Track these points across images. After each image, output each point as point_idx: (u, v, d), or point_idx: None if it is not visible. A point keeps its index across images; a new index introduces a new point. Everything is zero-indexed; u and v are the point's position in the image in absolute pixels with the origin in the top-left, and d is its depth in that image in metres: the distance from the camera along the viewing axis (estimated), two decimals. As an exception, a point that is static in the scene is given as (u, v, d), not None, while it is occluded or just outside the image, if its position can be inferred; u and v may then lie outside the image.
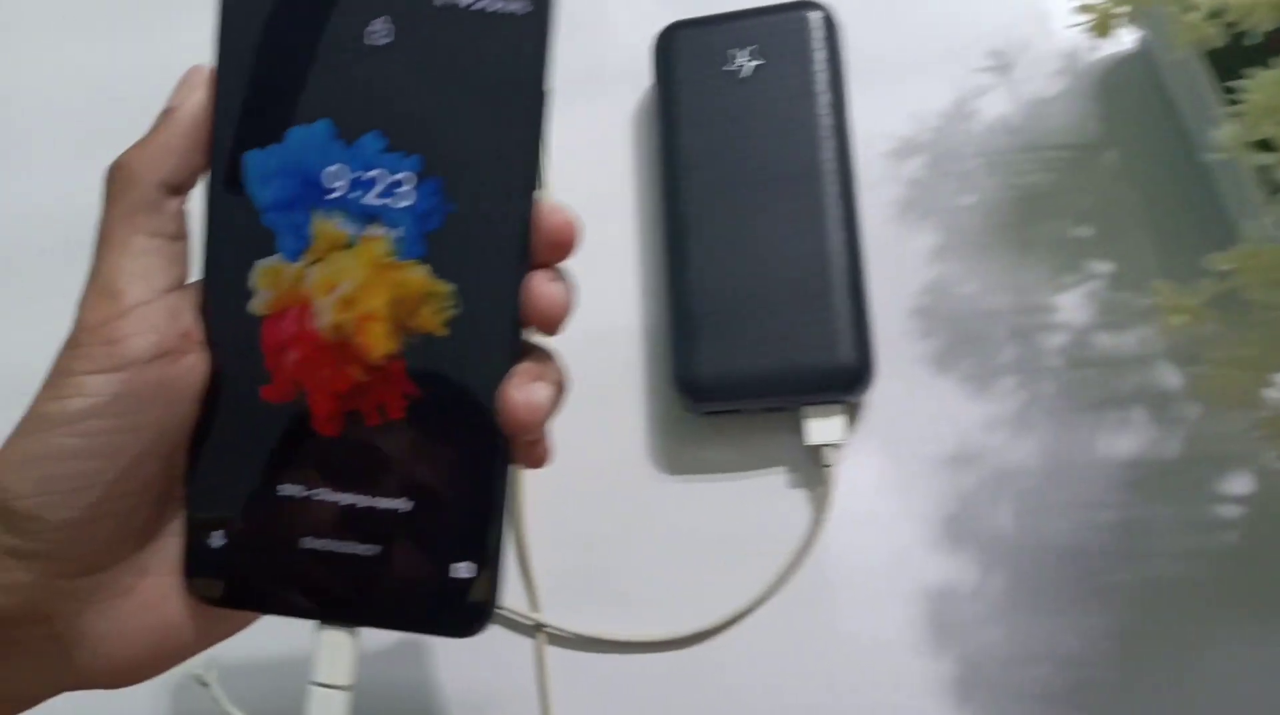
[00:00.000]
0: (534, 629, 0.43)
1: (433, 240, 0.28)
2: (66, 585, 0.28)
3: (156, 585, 0.29)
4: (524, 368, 0.29)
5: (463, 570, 0.29)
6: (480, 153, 0.28)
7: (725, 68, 0.43)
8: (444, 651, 0.43)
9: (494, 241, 0.28)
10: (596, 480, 0.44)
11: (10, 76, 0.55)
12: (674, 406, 0.44)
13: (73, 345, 0.27)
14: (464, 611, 0.29)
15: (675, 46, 0.44)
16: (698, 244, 0.43)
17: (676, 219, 0.43)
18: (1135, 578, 0.39)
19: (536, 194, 0.28)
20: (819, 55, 0.43)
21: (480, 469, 0.29)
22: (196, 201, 0.29)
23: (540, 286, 0.28)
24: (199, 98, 0.28)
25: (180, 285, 0.29)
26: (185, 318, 0.28)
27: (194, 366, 0.28)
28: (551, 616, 0.43)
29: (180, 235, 0.29)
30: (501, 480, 0.29)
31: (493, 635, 0.43)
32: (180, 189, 0.28)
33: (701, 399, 0.42)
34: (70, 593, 0.28)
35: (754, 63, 0.43)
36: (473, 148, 0.28)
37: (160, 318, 0.27)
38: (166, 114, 0.28)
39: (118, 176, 0.28)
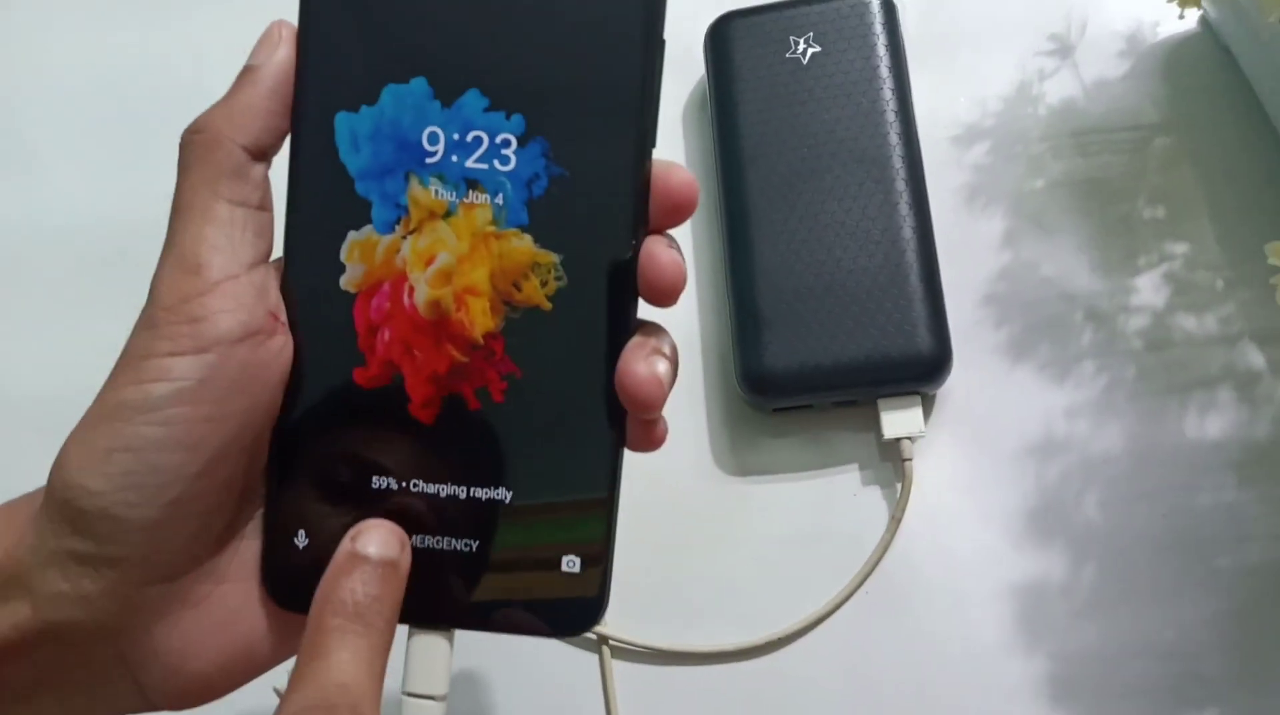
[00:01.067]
0: (599, 643, 0.41)
1: (537, 207, 0.26)
2: (136, 596, 0.25)
3: (232, 593, 0.27)
4: (640, 341, 0.26)
5: (572, 564, 0.27)
6: (589, 110, 0.26)
7: (788, 54, 0.42)
8: (504, 669, 0.41)
9: (605, 206, 0.26)
10: (659, 486, 0.42)
11: (18, 76, 0.52)
12: (739, 405, 0.43)
13: (149, 324, 0.25)
14: (573, 609, 0.27)
15: (731, 36, 0.43)
16: (761, 235, 0.41)
17: (737, 210, 0.42)
18: (1234, 563, 0.38)
19: (650, 153, 0.26)
20: (880, 40, 0.42)
21: (591, 453, 0.27)
22: (278, 170, 0.27)
23: (658, 254, 0.26)
24: (283, 54, 0.26)
25: (265, 260, 0.26)
26: (272, 295, 0.26)
27: (282, 350, 0.26)
28: (616, 629, 0.41)
29: (265, 205, 0.26)
30: (615, 465, 0.27)
31: (555, 651, 0.41)
32: (265, 154, 0.26)
33: (770, 395, 0.41)
34: (140, 604, 0.25)
35: (812, 49, 0.42)
36: (581, 105, 0.26)
37: (247, 294, 0.25)
38: (248, 72, 0.26)
39: (197, 140, 0.25)
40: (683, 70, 0.46)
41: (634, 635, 0.41)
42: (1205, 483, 0.39)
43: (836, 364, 0.40)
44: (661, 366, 0.26)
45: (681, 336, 0.44)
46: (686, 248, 0.45)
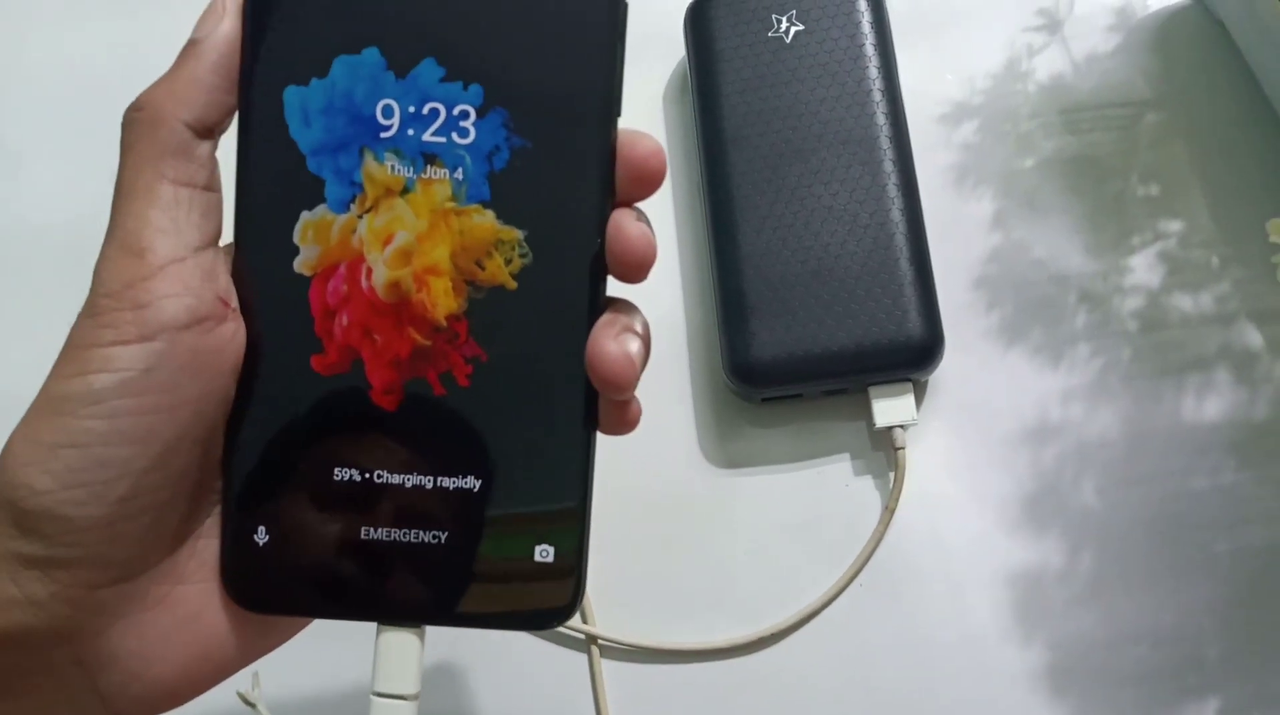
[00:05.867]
0: (587, 642, 0.40)
1: (498, 181, 0.25)
2: (91, 598, 0.24)
3: (192, 593, 0.26)
4: (610, 318, 0.25)
5: (545, 553, 0.26)
6: (551, 78, 0.25)
7: (770, 33, 0.41)
8: (490, 670, 0.40)
9: (569, 179, 0.25)
10: (647, 480, 0.41)
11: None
12: (726, 395, 0.42)
13: (93, 312, 0.23)
14: (548, 600, 0.26)
15: (712, 15, 0.42)
16: (746, 220, 0.40)
17: (721, 194, 0.41)
18: (1232, 546, 0.37)
19: (615, 122, 0.25)
20: (865, 17, 0.41)
21: (562, 437, 0.26)
22: (227, 148, 0.26)
23: (626, 226, 0.25)
24: (227, 26, 0.25)
25: (214, 243, 0.25)
26: (221, 279, 0.25)
27: (233, 336, 0.25)
28: (605, 628, 0.40)
29: (212, 185, 0.25)
30: (587, 449, 0.26)
31: (542, 651, 0.40)
32: (211, 131, 0.25)
33: (758, 384, 0.40)
34: (95, 607, 0.24)
35: (795, 28, 0.41)
36: (542, 73, 0.25)
37: (194, 278, 0.24)
38: (191, 45, 0.25)
39: (139, 118, 0.24)
40: (663, 51, 0.45)
41: (623, 633, 0.40)
42: (1203, 465, 0.38)
43: (825, 352, 0.39)
44: (633, 345, 0.25)
45: (666, 326, 0.43)
46: (670, 234, 0.44)
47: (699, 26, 0.43)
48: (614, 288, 0.26)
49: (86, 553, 0.23)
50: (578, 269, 0.25)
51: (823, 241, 0.39)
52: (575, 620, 0.40)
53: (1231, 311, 0.39)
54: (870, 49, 0.41)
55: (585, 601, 0.40)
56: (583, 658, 0.40)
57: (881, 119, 0.40)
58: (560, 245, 0.25)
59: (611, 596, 0.40)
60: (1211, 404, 0.39)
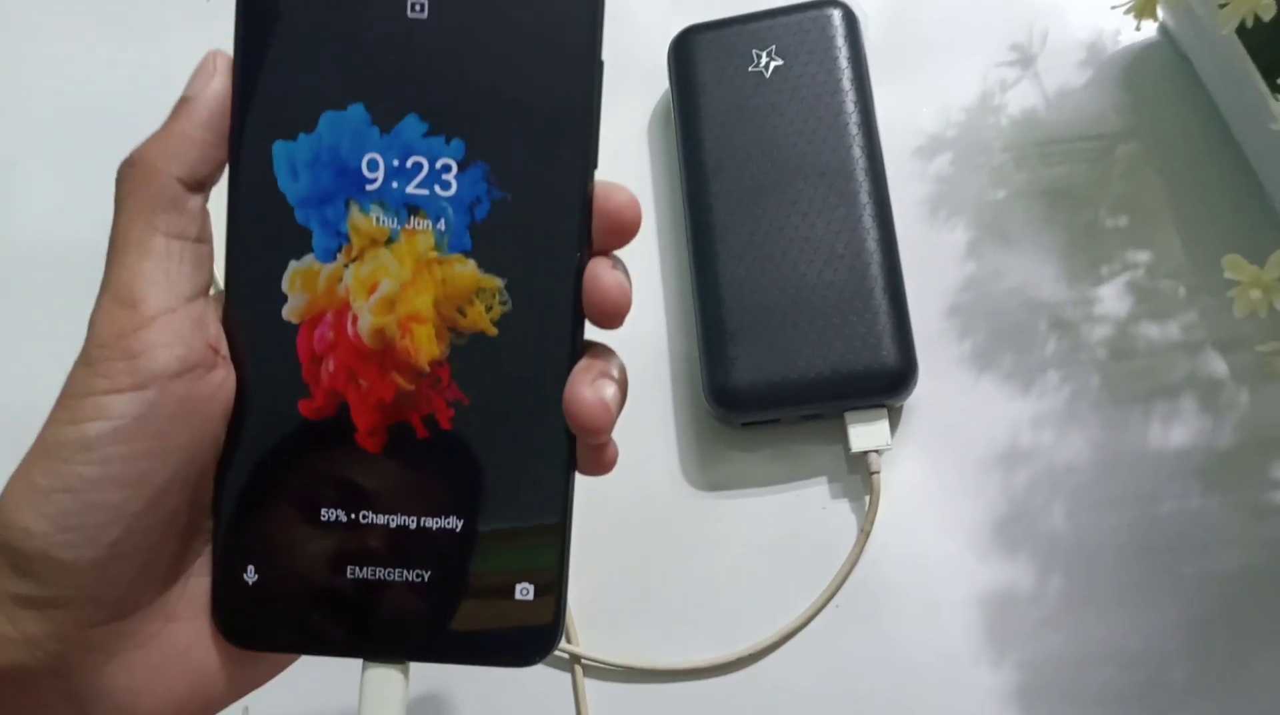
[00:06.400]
0: (571, 661, 0.41)
1: (480, 231, 0.26)
2: (84, 636, 0.25)
3: (183, 630, 0.26)
4: (587, 364, 0.26)
5: (526, 592, 0.27)
6: (529, 134, 0.26)
7: (750, 68, 0.42)
8: (474, 692, 0.41)
9: (548, 229, 0.26)
10: (629, 502, 0.42)
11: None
12: (708, 420, 0.43)
13: (87, 362, 0.24)
14: (528, 637, 0.27)
15: (695, 49, 0.43)
16: (726, 249, 0.41)
17: (702, 225, 0.42)
18: (1197, 570, 0.38)
19: (592, 174, 0.26)
20: (842, 52, 0.42)
21: (542, 479, 0.27)
22: (218, 200, 0.27)
23: (602, 275, 0.26)
24: (218, 84, 0.26)
25: (204, 292, 0.26)
26: (211, 328, 0.26)
27: (223, 383, 0.26)
28: (589, 647, 0.41)
29: (203, 237, 0.26)
30: (566, 489, 0.27)
31: (526, 670, 0.40)
32: (202, 185, 0.26)
33: (738, 410, 0.41)
34: (88, 644, 0.25)
35: (775, 63, 0.42)
36: (521, 129, 0.26)
37: (185, 327, 0.25)
38: (183, 103, 0.26)
39: (132, 173, 0.25)
40: (647, 83, 0.46)
41: (606, 654, 0.41)
42: (1169, 490, 0.39)
43: (803, 378, 0.40)
44: (608, 390, 0.26)
45: (650, 352, 0.44)
46: (653, 262, 0.45)
47: (682, 60, 0.44)
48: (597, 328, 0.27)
49: (80, 593, 0.24)
50: (556, 316, 0.26)
51: (800, 271, 0.40)
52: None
53: (1198, 340, 0.40)
54: (847, 83, 0.42)
55: (569, 621, 0.41)
56: (566, 677, 0.41)
57: (858, 152, 0.41)
58: (539, 293, 0.26)
59: (595, 616, 0.41)
60: (1178, 430, 0.40)
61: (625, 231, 0.26)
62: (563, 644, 0.41)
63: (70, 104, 0.51)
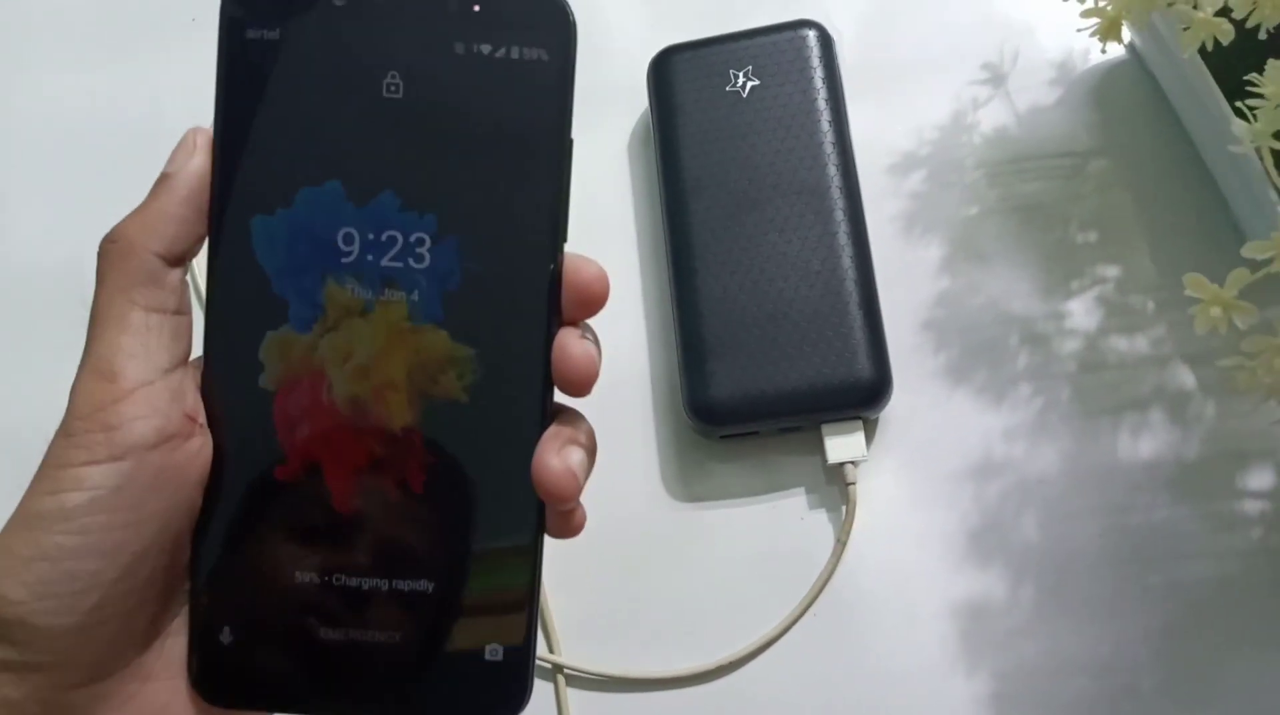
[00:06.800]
0: (553, 671, 0.41)
1: (452, 302, 0.27)
2: (63, 698, 0.25)
3: (160, 690, 0.27)
4: (555, 431, 0.27)
5: (495, 653, 0.27)
6: (500, 208, 0.27)
7: (728, 88, 0.43)
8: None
9: (517, 301, 0.27)
10: (610, 514, 0.42)
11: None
12: (687, 433, 0.43)
13: (67, 433, 0.25)
14: (497, 698, 0.27)
15: (673, 69, 0.44)
16: (704, 266, 0.42)
17: (681, 241, 0.43)
18: (1166, 580, 0.39)
19: (561, 248, 0.27)
20: (817, 73, 0.43)
21: (511, 542, 0.27)
22: (198, 272, 0.27)
23: (570, 345, 0.27)
24: (199, 162, 0.27)
25: (183, 362, 0.27)
26: (189, 397, 0.26)
27: (200, 450, 0.26)
28: (570, 657, 0.41)
29: (182, 309, 0.27)
30: (535, 552, 0.27)
31: (510, 680, 0.41)
32: (181, 259, 0.27)
33: (717, 423, 0.41)
34: (67, 707, 0.25)
35: (751, 83, 0.43)
36: (492, 203, 0.26)
37: (162, 399, 0.25)
38: (163, 180, 0.27)
39: (113, 249, 0.26)
40: (627, 103, 0.47)
41: (588, 663, 0.41)
42: (1139, 502, 0.40)
43: (780, 392, 0.41)
44: (575, 457, 0.27)
45: (630, 367, 0.45)
46: (634, 279, 0.46)
47: (660, 80, 0.45)
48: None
49: (58, 658, 0.25)
50: (525, 385, 0.27)
51: (778, 287, 0.41)
52: (541, 649, 0.41)
53: (1166, 354, 0.41)
54: (822, 103, 0.43)
55: (551, 631, 0.42)
56: (549, 687, 0.41)
57: (833, 170, 0.42)
58: (509, 362, 0.27)
59: (577, 626, 0.42)
60: (1147, 442, 0.40)
61: (593, 303, 0.27)
62: (545, 653, 0.41)
63: (62, 128, 0.52)
